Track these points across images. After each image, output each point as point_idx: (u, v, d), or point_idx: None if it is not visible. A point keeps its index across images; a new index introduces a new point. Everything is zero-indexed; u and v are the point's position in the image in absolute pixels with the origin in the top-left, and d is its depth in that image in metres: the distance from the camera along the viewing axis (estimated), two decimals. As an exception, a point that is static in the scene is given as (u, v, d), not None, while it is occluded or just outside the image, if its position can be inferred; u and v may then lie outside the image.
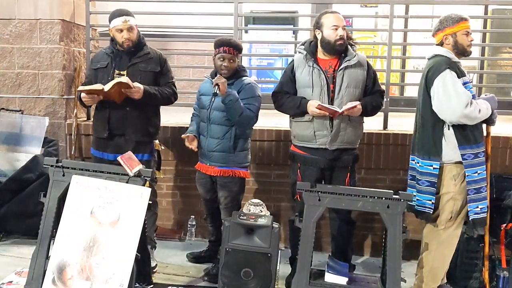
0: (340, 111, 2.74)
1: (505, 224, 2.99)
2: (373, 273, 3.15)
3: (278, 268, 2.69)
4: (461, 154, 2.63)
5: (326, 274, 2.61)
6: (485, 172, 2.68)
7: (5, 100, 3.99)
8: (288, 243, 3.37)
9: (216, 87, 2.88)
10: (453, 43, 2.72)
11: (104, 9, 4.19)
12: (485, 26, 4.95)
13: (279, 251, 2.72)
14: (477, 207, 2.67)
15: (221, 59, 3.01)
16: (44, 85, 3.95)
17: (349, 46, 2.89)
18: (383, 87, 3.16)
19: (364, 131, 3.06)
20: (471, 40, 2.76)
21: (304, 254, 2.49)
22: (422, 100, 2.73)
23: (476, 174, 2.65)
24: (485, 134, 2.82)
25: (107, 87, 2.89)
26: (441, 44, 2.75)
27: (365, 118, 3.00)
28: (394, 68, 4.69)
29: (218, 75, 2.97)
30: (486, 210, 2.69)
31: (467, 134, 2.63)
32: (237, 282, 2.64)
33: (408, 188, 2.88)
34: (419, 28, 5.07)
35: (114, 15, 3.05)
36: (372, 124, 3.60)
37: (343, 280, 2.59)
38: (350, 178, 2.94)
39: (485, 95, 2.78)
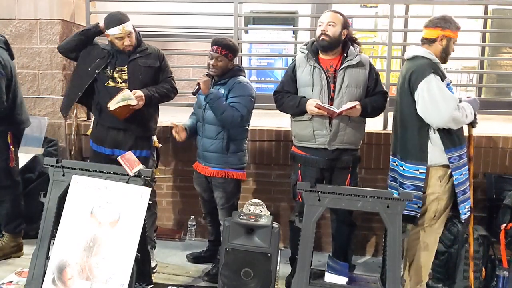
0: (338, 111, 2.73)
1: (505, 224, 2.99)
2: (373, 273, 3.15)
3: (278, 268, 2.69)
4: (448, 157, 2.63)
5: (326, 274, 2.61)
6: (468, 172, 2.71)
7: (5, 100, 3.99)
8: (288, 243, 3.37)
9: (197, 86, 2.94)
10: (444, 46, 2.70)
11: (104, 9, 4.19)
12: (485, 26, 4.95)
13: (279, 251, 2.72)
14: (465, 207, 2.71)
15: (210, 57, 3.04)
16: (44, 85, 3.95)
17: (351, 46, 2.88)
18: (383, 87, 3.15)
19: (365, 131, 3.05)
20: (453, 50, 2.77)
21: (304, 254, 2.49)
22: (405, 103, 2.69)
23: (462, 176, 2.68)
24: (467, 135, 2.85)
25: (113, 106, 2.90)
26: (432, 41, 2.70)
27: (366, 119, 3.00)
28: (394, 68, 4.68)
29: (203, 74, 3.02)
30: (470, 210, 2.73)
31: (452, 137, 2.64)
32: (237, 282, 2.63)
33: (389, 189, 2.85)
34: (419, 28, 5.06)
35: (111, 23, 2.97)
36: (372, 124, 3.60)
37: (343, 280, 2.58)
38: (351, 180, 2.93)
39: (467, 97, 2.78)
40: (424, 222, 2.76)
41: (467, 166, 2.71)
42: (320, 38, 2.81)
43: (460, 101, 2.68)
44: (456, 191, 2.66)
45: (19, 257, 3.34)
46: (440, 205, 2.72)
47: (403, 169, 2.71)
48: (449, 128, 2.61)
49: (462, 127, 2.73)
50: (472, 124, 2.78)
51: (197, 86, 2.97)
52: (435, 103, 2.55)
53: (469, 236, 2.92)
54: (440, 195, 2.70)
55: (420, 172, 2.66)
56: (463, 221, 2.75)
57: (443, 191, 2.70)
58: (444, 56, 2.72)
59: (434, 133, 2.63)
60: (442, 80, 2.60)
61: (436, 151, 2.64)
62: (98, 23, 3.10)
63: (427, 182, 2.70)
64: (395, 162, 2.81)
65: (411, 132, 2.68)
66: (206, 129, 3.08)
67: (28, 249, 3.26)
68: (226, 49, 3.01)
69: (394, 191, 2.78)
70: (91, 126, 3.31)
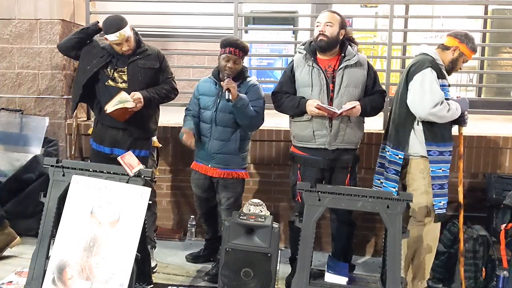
0: (338, 112, 2.74)
1: (505, 224, 2.99)
2: (373, 273, 3.16)
3: (278, 268, 2.69)
4: (427, 150, 2.73)
5: (326, 274, 2.61)
6: (448, 170, 2.78)
7: (5, 100, 3.99)
8: (288, 243, 3.37)
9: (227, 92, 2.82)
10: (454, 58, 2.81)
11: (104, 9, 4.19)
12: (485, 26, 4.95)
13: (279, 251, 2.72)
14: (441, 202, 2.77)
15: (226, 59, 2.95)
16: (44, 85, 3.95)
17: (349, 46, 2.88)
18: (383, 87, 3.16)
19: (364, 131, 3.06)
20: (461, 68, 2.89)
21: (304, 254, 2.49)
22: (401, 94, 2.81)
23: (441, 171, 2.75)
24: (458, 133, 2.93)
25: (110, 108, 2.90)
26: (447, 48, 2.80)
27: (365, 118, 3.00)
28: (394, 68, 4.69)
29: (227, 79, 2.87)
30: (446, 206, 2.78)
31: (434, 131, 2.73)
32: (237, 282, 2.63)
33: (375, 175, 2.99)
34: (419, 28, 5.08)
35: (108, 29, 2.93)
36: (372, 124, 3.60)
37: (343, 280, 2.59)
38: (350, 179, 2.95)
39: (457, 97, 2.84)
40: (419, 219, 2.82)
41: (448, 165, 2.77)
42: (318, 39, 2.82)
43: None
44: (432, 183, 2.74)
45: (18, 244, 3.36)
46: (429, 198, 2.78)
47: (389, 154, 2.85)
48: (433, 122, 2.70)
49: (450, 127, 2.79)
50: (460, 123, 2.85)
51: (228, 92, 2.81)
52: (423, 95, 2.65)
53: (459, 232, 2.96)
54: (426, 187, 2.78)
55: (399, 158, 2.80)
56: (435, 213, 2.79)
57: (428, 184, 2.77)
58: (451, 67, 2.83)
59: (418, 124, 2.75)
60: (438, 78, 2.69)
61: (416, 141, 2.77)
62: (98, 22, 3.09)
63: (410, 175, 2.81)
64: (384, 149, 2.93)
65: (401, 120, 2.81)
66: (216, 131, 3.03)
67: (28, 249, 3.26)
68: (243, 51, 2.99)
69: (381, 176, 2.91)
70: (92, 125, 3.31)
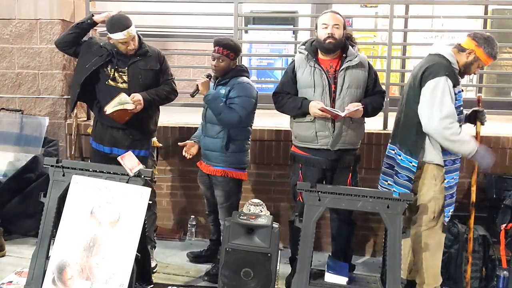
0: (343, 115, 2.73)
1: (505, 224, 2.99)
2: (373, 273, 3.16)
3: (278, 268, 2.69)
4: (444, 159, 2.65)
5: (326, 274, 2.61)
6: (458, 177, 2.72)
7: (5, 100, 3.99)
8: (288, 243, 3.37)
9: (196, 87, 3.01)
10: (468, 62, 2.66)
11: (104, 9, 4.18)
12: (485, 26, 4.95)
13: (279, 251, 2.72)
14: (449, 211, 2.73)
15: (212, 58, 3.05)
16: (44, 85, 3.95)
17: (350, 47, 2.88)
18: (383, 87, 3.16)
19: (364, 131, 3.06)
20: (475, 73, 2.76)
21: (304, 254, 2.49)
22: (412, 95, 2.68)
23: (452, 180, 2.70)
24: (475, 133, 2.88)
25: (109, 110, 2.91)
26: (462, 49, 2.66)
27: (365, 118, 3.00)
28: (394, 68, 4.69)
29: (202, 75, 3.06)
30: (452, 214, 2.75)
31: None
32: (237, 282, 2.63)
33: (382, 175, 2.90)
34: (419, 28, 5.08)
35: (115, 28, 2.92)
36: (372, 124, 3.60)
37: (343, 280, 2.59)
38: (352, 179, 2.94)
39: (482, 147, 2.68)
40: (423, 224, 2.76)
41: (458, 172, 2.72)
42: (327, 41, 2.78)
43: (462, 112, 2.68)
44: (445, 194, 2.69)
45: (2, 256, 3.34)
46: (438, 205, 2.72)
47: (401, 159, 2.73)
48: None
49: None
50: (481, 122, 2.83)
51: (196, 87, 3.02)
52: (431, 106, 2.54)
53: (470, 232, 2.93)
54: (436, 194, 2.71)
55: (413, 165, 2.68)
56: (445, 224, 2.77)
57: (439, 190, 2.71)
58: (463, 70, 2.69)
59: None
60: (454, 86, 2.57)
61: (432, 149, 2.66)
62: (92, 15, 3.07)
63: (422, 180, 2.72)
64: (393, 150, 2.82)
65: (412, 124, 2.68)
66: (207, 128, 3.09)
67: (28, 249, 3.26)
68: (227, 48, 3.00)
69: (389, 178, 2.83)
70: (92, 124, 3.31)
